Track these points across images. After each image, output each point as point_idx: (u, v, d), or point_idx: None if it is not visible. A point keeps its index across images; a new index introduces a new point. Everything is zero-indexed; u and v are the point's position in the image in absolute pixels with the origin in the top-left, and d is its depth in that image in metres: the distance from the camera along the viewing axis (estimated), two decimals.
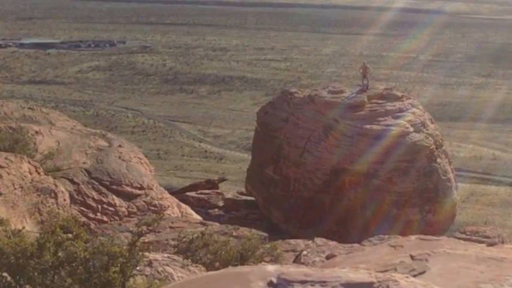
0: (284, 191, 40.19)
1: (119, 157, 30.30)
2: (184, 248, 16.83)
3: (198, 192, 44.22)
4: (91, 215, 26.44)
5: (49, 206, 22.59)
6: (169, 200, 30.64)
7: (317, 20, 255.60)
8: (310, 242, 22.61)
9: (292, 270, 7.59)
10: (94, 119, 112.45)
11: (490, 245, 13.02)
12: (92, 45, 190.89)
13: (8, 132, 28.34)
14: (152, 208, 28.34)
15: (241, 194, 45.23)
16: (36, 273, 11.28)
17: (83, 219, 25.07)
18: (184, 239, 17.20)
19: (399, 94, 41.69)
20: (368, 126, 37.54)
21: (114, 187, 28.21)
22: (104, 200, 27.38)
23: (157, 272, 14.22)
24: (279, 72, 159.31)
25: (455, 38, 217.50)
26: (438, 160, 38.22)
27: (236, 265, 15.27)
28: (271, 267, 7.78)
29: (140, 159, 32.13)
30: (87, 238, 12.42)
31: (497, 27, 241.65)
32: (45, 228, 13.59)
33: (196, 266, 15.72)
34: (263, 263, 16.99)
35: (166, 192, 31.91)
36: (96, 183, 27.85)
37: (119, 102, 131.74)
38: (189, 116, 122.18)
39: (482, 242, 13.42)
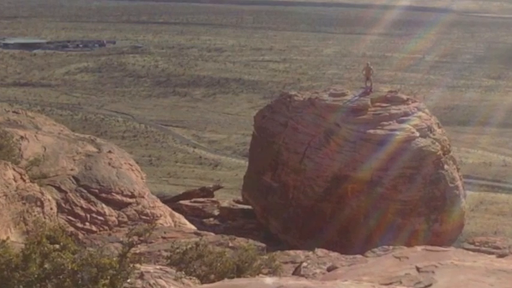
0: (283, 200, 40.19)
1: (109, 163, 30.29)
2: (178, 260, 16.83)
3: (192, 200, 44.22)
4: (79, 225, 26.41)
5: (35, 215, 22.54)
6: (162, 209, 30.63)
7: (318, 18, 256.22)
8: (311, 253, 22.60)
9: (291, 283, 7.62)
10: (82, 123, 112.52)
11: (501, 256, 13.07)
12: (80, 46, 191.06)
13: None
14: (144, 217, 28.32)
15: (238, 202, 45.20)
16: (21, 286, 11.29)
17: (71, 229, 25.03)
18: (178, 250, 17.19)
19: (404, 97, 41.74)
20: (371, 131, 37.59)
21: (104, 195, 28.20)
22: (93, 208, 27.36)
23: (149, 284, 14.22)
24: (278, 74, 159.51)
25: (464, 37, 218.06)
26: (445, 167, 38.25)
27: (232, 277, 15.28)
28: (269, 280, 7.81)
29: (131, 165, 32.12)
30: (75, 249, 12.43)
31: (508, 26, 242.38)
32: (30, 238, 13.60)
33: (190, 279, 15.73)
34: (261, 275, 17.00)
35: (158, 200, 31.88)
36: (85, 191, 27.83)
37: (109, 106, 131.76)
38: (182, 120, 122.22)
39: (492, 253, 13.47)
